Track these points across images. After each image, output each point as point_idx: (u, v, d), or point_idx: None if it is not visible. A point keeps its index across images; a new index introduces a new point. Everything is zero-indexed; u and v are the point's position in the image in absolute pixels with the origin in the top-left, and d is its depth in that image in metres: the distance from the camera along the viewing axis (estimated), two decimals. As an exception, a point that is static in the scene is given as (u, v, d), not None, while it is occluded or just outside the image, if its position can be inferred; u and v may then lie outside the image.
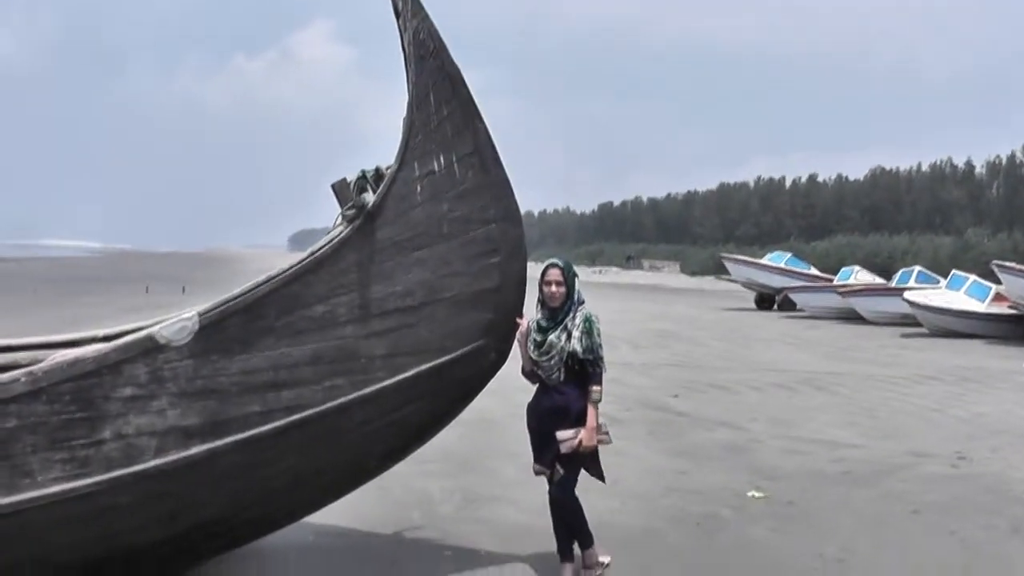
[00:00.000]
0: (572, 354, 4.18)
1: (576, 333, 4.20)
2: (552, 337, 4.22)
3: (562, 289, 4.26)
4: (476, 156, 4.11)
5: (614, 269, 73.46)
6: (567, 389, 4.23)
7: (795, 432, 8.56)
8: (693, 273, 66.87)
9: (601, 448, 4.36)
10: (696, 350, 16.15)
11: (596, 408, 4.21)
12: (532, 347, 4.26)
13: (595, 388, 4.20)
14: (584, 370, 4.21)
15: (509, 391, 12.44)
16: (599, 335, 4.24)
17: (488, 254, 4.14)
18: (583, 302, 4.35)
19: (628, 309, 27.25)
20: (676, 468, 6.93)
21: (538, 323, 4.29)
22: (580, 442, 4.19)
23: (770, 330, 21.74)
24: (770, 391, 11.35)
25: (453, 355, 4.10)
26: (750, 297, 33.96)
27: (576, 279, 4.34)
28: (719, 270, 44.20)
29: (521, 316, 4.30)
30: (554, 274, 4.29)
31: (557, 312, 4.27)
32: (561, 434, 4.20)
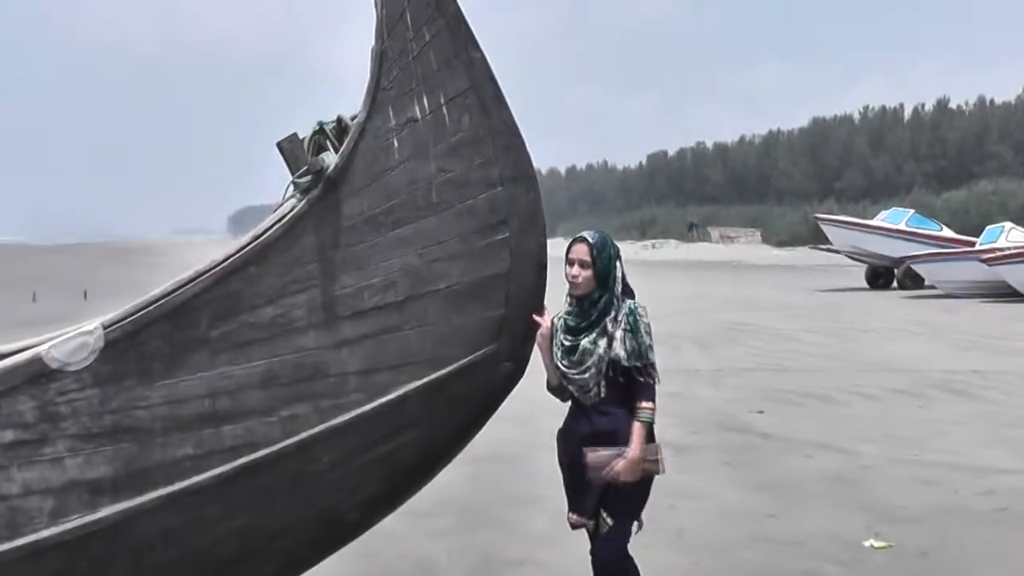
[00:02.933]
0: (614, 362, 4.21)
1: (618, 332, 4.21)
2: (585, 342, 4.23)
3: (587, 272, 4.26)
4: (472, 95, 4.10)
5: (672, 242, 73.67)
6: (611, 408, 4.25)
7: (926, 455, 8.56)
8: (779, 243, 66.86)
9: (657, 483, 4.38)
10: (785, 348, 16.17)
11: (644, 430, 4.23)
12: (559, 354, 4.29)
13: (644, 405, 4.22)
14: (631, 381, 4.24)
15: (533, 414, 12.62)
16: (648, 333, 4.25)
17: (494, 228, 4.14)
18: (630, 292, 4.36)
19: (692, 295, 27.32)
20: (763, 510, 6.94)
21: (565, 321, 4.32)
22: (618, 473, 4.22)
23: (887, 316, 21.71)
24: (889, 400, 11.35)
25: (453, 367, 4.12)
26: (859, 272, 33.88)
27: (617, 261, 4.34)
28: (815, 238, 44.03)
29: (543, 310, 4.31)
30: (579, 251, 4.31)
31: (587, 305, 4.28)
32: (593, 455, 4.24)
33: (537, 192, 4.28)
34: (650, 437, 4.32)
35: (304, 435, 3.95)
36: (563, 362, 4.28)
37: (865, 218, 36.24)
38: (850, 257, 33.93)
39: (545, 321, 4.29)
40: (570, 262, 4.31)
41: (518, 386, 4.50)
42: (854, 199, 71.62)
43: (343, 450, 4.03)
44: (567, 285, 4.35)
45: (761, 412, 10.55)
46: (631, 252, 55.55)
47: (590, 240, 4.32)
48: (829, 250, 36.01)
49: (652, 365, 4.25)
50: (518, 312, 4.23)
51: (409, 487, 4.42)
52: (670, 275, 38.21)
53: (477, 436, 4.55)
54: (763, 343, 16.78)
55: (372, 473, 4.13)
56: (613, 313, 4.25)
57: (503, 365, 4.24)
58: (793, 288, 31.80)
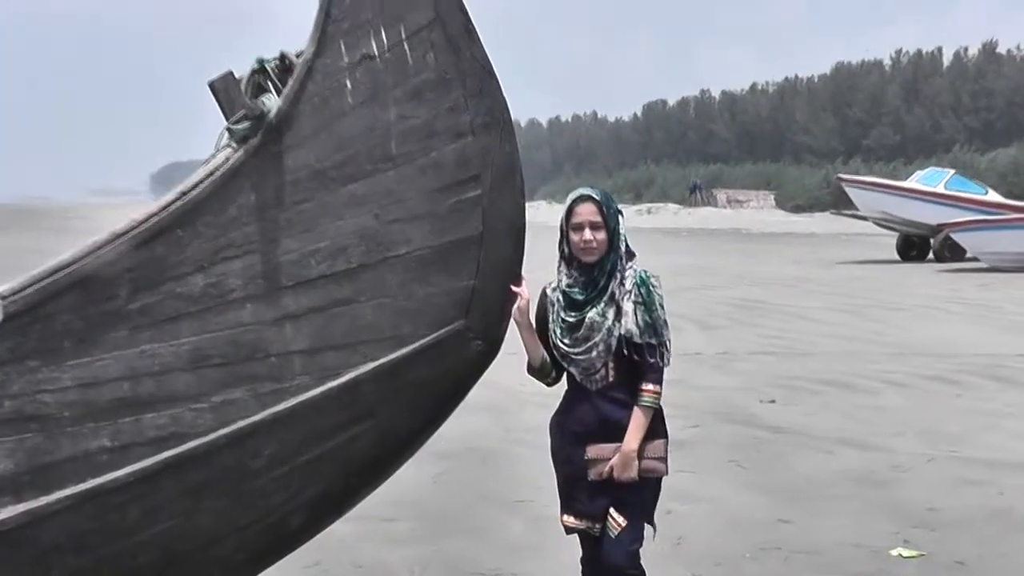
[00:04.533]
0: (625, 338, 4.25)
1: (628, 305, 4.28)
2: (593, 314, 4.29)
3: (601, 235, 4.32)
4: (438, 28, 4.09)
5: (671, 207, 74.00)
6: (621, 394, 4.33)
7: (965, 451, 8.66)
8: (796, 208, 67.28)
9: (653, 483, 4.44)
10: (801, 329, 16.32)
11: (646, 417, 4.29)
12: (560, 332, 4.35)
13: (649, 388, 4.29)
14: (639, 361, 4.29)
15: (509, 403, 12.54)
16: (663, 306, 4.33)
17: (463, 185, 4.16)
18: (634, 255, 4.43)
19: (694, 268, 27.46)
20: (774, 515, 7.02)
21: (565, 294, 4.36)
22: (610, 469, 4.29)
23: (922, 292, 21.90)
24: (923, 388, 11.48)
25: (415, 346, 4.14)
26: (888, 242, 34.13)
27: (621, 218, 4.41)
28: (837, 202, 44.26)
29: (520, 281, 4.33)
30: (587, 211, 4.35)
31: (595, 274, 4.32)
32: (595, 449, 4.33)
33: (514, 144, 4.30)
34: (659, 431, 4.38)
35: (240, 425, 3.95)
36: (564, 340, 4.34)
37: (897, 180, 36.44)
38: (879, 224, 34.12)
39: (523, 293, 4.32)
40: (577, 226, 4.34)
41: (491, 370, 4.52)
42: (884, 158, 72.07)
43: (286, 443, 4.03)
44: (569, 251, 4.40)
45: (773, 402, 10.65)
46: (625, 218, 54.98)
47: (597, 197, 4.37)
48: (854, 216, 36.25)
49: (666, 344, 4.32)
50: (491, 283, 4.25)
51: (364, 486, 4.43)
52: (669, 245, 38.36)
53: (443, 428, 4.58)
54: (776, 323, 16.92)
55: (320, 470, 4.14)
56: (619, 276, 4.32)
57: (473, 344, 4.27)
58: (811, 260, 32.04)
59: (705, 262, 30.51)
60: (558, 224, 4.44)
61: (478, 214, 4.18)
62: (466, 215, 4.17)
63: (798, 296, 20.93)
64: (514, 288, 4.30)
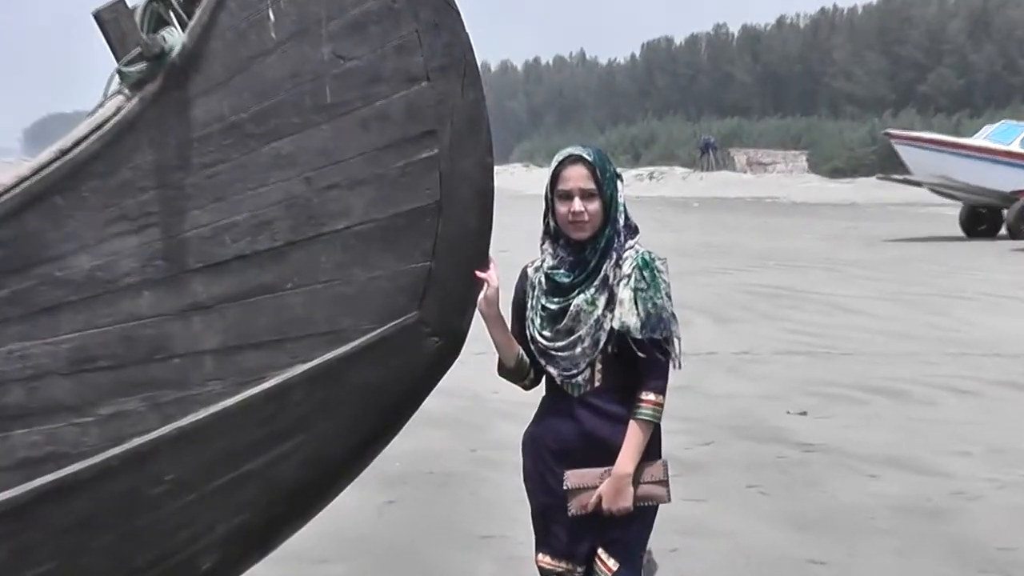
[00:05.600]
0: (619, 333, 4.27)
1: (625, 293, 4.28)
2: (580, 301, 4.30)
3: (594, 205, 4.31)
4: (384, -57, 4.11)
5: (679, 171, 74.15)
6: (609, 403, 4.34)
7: (1044, 475, 8.69)
8: (834, 172, 67.50)
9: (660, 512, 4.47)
10: (840, 322, 16.42)
11: (645, 434, 4.30)
12: (539, 322, 4.38)
13: (648, 398, 4.30)
14: (635, 362, 4.30)
15: (474, 415, 12.51)
16: (669, 295, 4.33)
17: (416, 142, 4.18)
18: (636, 230, 4.44)
19: (706, 247, 27.56)
20: (804, 554, 7.08)
21: (548, 276, 4.38)
22: (598, 499, 4.29)
23: (992, 276, 22.04)
24: (992, 396, 11.57)
25: (356, 344, 4.17)
26: (950, 214, 34.26)
27: (620, 184, 4.42)
28: (885, 164, 44.36)
29: (488, 263, 4.35)
30: (577, 176, 4.34)
31: (586, 253, 4.33)
32: (575, 476, 4.33)
33: (480, 91, 4.32)
34: (654, 451, 4.39)
35: (136, 443, 3.94)
36: (544, 332, 4.36)
37: (960, 136, 36.58)
38: (937, 192, 34.30)
39: (491, 278, 4.34)
40: (565, 195, 4.34)
41: (452, 373, 4.52)
42: (945, 109, 72.31)
43: (194, 465, 4.03)
44: (555, 224, 4.40)
45: (804, 414, 10.70)
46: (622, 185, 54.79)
47: (588, 158, 4.35)
48: (907, 181, 36.33)
49: (670, 341, 4.33)
50: (451, 265, 4.28)
51: (292, 519, 4.45)
52: (675, 218, 38.49)
53: (392, 446, 4.59)
54: (808, 315, 17.03)
55: (238, 498, 4.15)
56: (614, 255, 4.33)
57: (429, 341, 4.29)
58: (853, 237, 32.17)
59: (720, 239, 30.62)
60: (542, 192, 4.44)
61: (434, 179, 4.20)
62: (419, 180, 4.18)
63: (836, 282, 21.01)
64: (479, 274, 4.31)
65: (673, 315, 4.33)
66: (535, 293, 4.40)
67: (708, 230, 34.18)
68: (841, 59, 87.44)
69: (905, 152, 34.18)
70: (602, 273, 4.30)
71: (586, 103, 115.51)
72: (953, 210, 34.17)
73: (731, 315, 16.90)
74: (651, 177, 70.66)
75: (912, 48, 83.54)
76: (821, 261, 24.95)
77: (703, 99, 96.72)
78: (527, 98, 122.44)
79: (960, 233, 32.36)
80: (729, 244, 29.21)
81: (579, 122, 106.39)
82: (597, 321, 4.28)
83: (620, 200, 4.37)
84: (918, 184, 35.05)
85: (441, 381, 4.51)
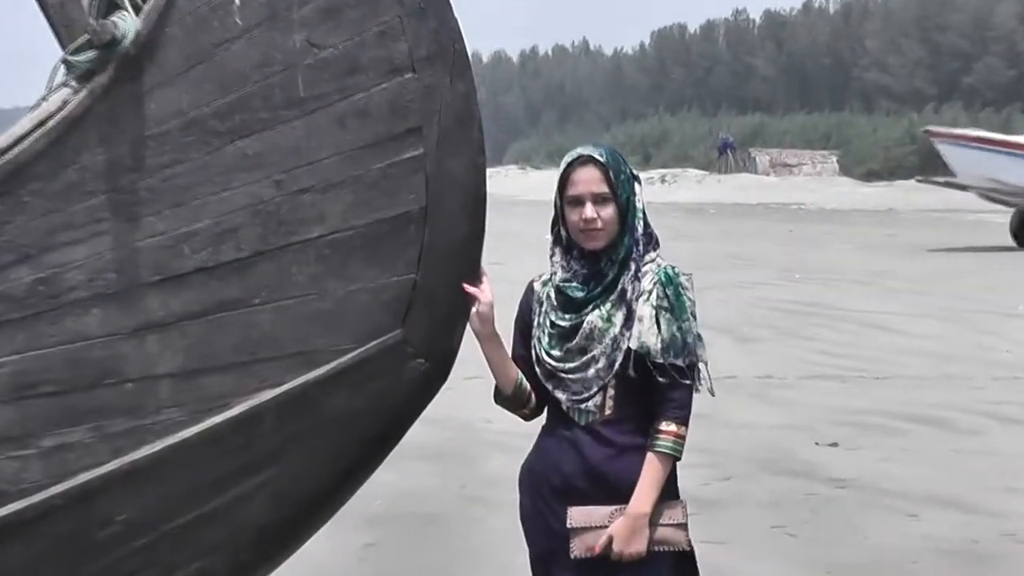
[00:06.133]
0: (637, 354, 4.25)
1: (645, 310, 4.25)
2: (594, 317, 4.26)
3: (609, 211, 4.27)
4: (362, -82, 4.12)
5: (692, 174, 74.21)
6: (621, 434, 4.30)
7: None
8: (868, 175, 67.57)
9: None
10: (876, 342, 16.45)
11: (664, 469, 4.28)
12: (548, 341, 4.34)
13: (668, 428, 4.25)
14: (652, 388, 4.28)
15: (466, 446, 12.46)
16: (694, 315, 4.30)
17: (399, 141, 4.17)
18: (656, 242, 4.43)
19: (725, 258, 27.60)
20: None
21: (560, 290, 4.35)
22: (609, 541, 4.25)
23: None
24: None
25: (331, 367, 4.17)
26: (997, 221, 34.25)
27: (636, 185, 4.40)
28: (925, 165, 44.35)
29: (479, 275, 4.35)
30: (588, 179, 4.29)
31: (602, 265, 4.31)
32: (579, 513, 4.27)
33: (471, 84, 4.30)
34: (672, 488, 4.37)
35: (83, 479, 3.93)
36: (553, 352, 4.32)
37: (1010, 133, 36.58)
38: (985, 197, 34.31)
39: (484, 292, 4.32)
40: (575, 200, 4.30)
41: (440, 400, 4.51)
42: (992, 103, 72.29)
43: (149, 504, 4.02)
44: (566, 233, 4.36)
45: (835, 445, 10.70)
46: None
47: (601, 158, 4.31)
48: (950, 185, 36.39)
49: (698, 365, 4.30)
50: (439, 277, 4.27)
51: (261, 563, 4.43)
52: (689, 226, 38.52)
53: (373, 481, 4.59)
54: (840, 335, 17.08)
55: (199, 541, 4.13)
56: (633, 267, 4.29)
57: (413, 364, 4.29)
58: (890, 247, 32.23)
59: (740, 250, 30.68)
60: (539, 197, 4.43)
61: (419, 182, 4.19)
62: (403, 183, 4.18)
63: (871, 297, 21.05)
64: (470, 288, 4.30)
65: (699, 337, 4.29)
66: (543, 309, 4.36)
67: (727, 239, 34.26)
68: (875, 48, 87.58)
69: (948, 152, 34.14)
70: (620, 287, 4.27)
71: (590, 98, 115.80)
72: (1003, 217, 34.12)
73: (753, 334, 16.96)
74: (663, 180, 70.78)
75: (955, 35, 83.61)
76: (854, 274, 25.02)
77: (721, 93, 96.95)
78: (523, 92, 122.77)
79: (1010, 243, 32.28)
80: (751, 255, 29.28)
81: (581, 119, 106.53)
82: (613, 340, 4.25)
83: (638, 205, 4.34)
84: (963, 188, 35.07)
85: (427, 409, 4.51)
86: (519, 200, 50.47)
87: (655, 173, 73.70)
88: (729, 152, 75.71)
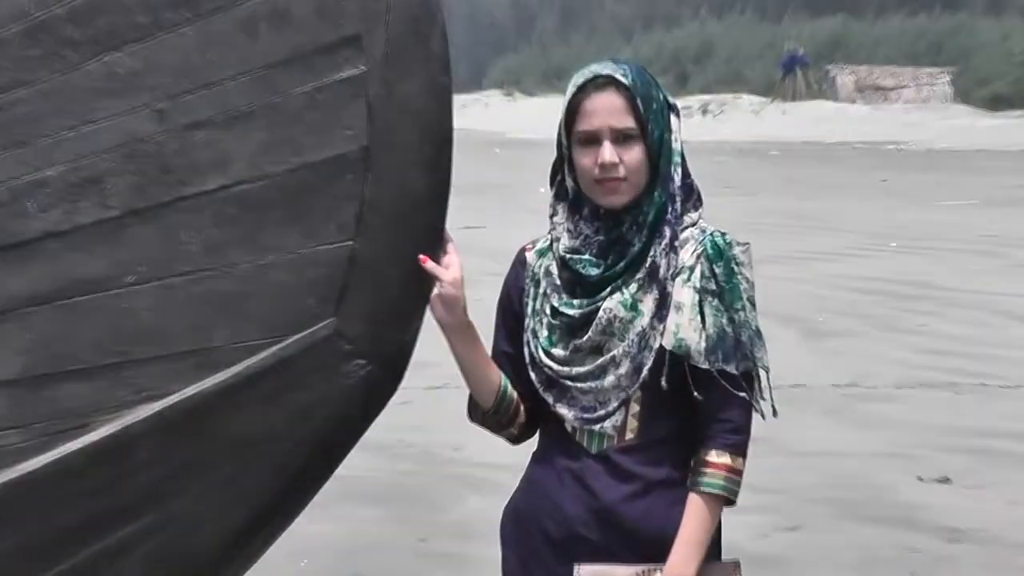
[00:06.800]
0: (673, 357, 4.24)
1: (686, 292, 4.25)
2: (615, 303, 4.25)
3: (635, 153, 4.23)
4: None
5: (748, 101, 74.16)
6: (646, 463, 4.32)
7: None
8: (993, 101, 67.32)
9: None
10: (1001, 336, 16.59)
11: (712, 515, 4.29)
12: (548, 337, 4.33)
13: (719, 460, 4.25)
14: (693, 404, 4.28)
15: (429, 482, 12.58)
16: (752, 301, 4.31)
17: (330, 54, 4.19)
18: (699, 197, 4.42)
19: (791, 219, 27.73)
20: None
21: (566, 263, 4.34)
22: None
23: None
24: None
25: (238, 370, 4.19)
26: None
27: (675, 120, 4.38)
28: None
29: (443, 245, 4.35)
30: (606, 106, 4.25)
31: (624, 229, 4.30)
32: (588, 573, 4.27)
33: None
34: (718, 545, 4.39)
35: None
36: (555, 351, 4.32)
37: None
38: None
39: (449, 269, 4.31)
40: (588, 137, 4.27)
41: (392, 417, 4.52)
42: None
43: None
44: (574, 184, 4.36)
45: (946, 481, 10.75)
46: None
47: (624, 80, 4.28)
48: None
49: (754, 374, 4.31)
50: (386, 246, 4.28)
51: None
52: (742, 174, 38.66)
53: (296, 533, 4.61)
54: (952, 327, 17.19)
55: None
56: (667, 234, 4.28)
57: (351, 366, 4.30)
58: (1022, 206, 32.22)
59: (813, 207, 30.75)
60: (530, 136, 4.44)
61: (359, 112, 4.21)
62: (335, 114, 4.21)
63: (998, 274, 21.10)
64: (428, 264, 4.28)
65: (758, 332, 4.30)
66: (540, 291, 4.37)
67: (794, 192, 34.32)
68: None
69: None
70: (650, 261, 4.26)
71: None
72: None
73: (830, 326, 17.04)
74: (705, 111, 70.88)
75: None
76: (974, 241, 25.11)
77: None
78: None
79: None
80: (827, 214, 29.34)
81: (592, 26, 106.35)
82: (641, 336, 4.23)
83: (676, 146, 4.34)
84: None
85: (372, 429, 4.50)
86: (505, 139, 50.25)
87: (694, 101, 73.64)
88: (798, 71, 75.69)
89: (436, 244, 4.32)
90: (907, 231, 26.35)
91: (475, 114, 57.66)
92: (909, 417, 12.69)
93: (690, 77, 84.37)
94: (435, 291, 4.30)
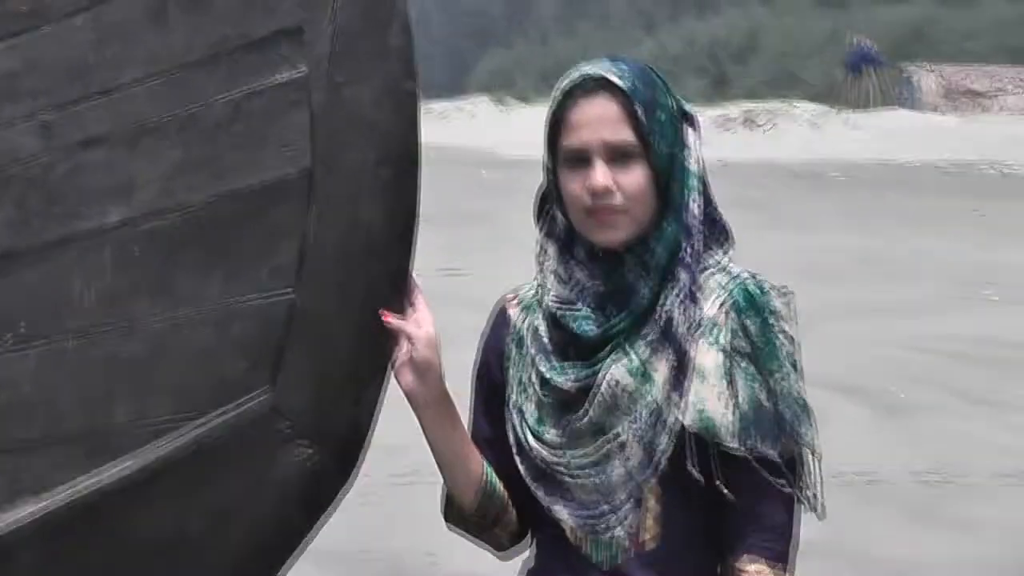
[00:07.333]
0: (697, 439, 4.23)
1: (709, 354, 4.22)
2: (619, 369, 4.21)
3: (635, 175, 4.21)
4: None
5: (803, 109, 74.35)
6: None
7: None
8: None
9: None
10: None
11: None
12: (536, 416, 4.31)
13: (753, 569, 4.22)
14: (723, 498, 4.26)
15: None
16: (796, 364, 4.26)
17: (264, 50, 4.22)
18: (725, 231, 4.39)
19: (855, 264, 27.76)
20: None
21: (555, 318, 4.32)
22: None
23: None
24: None
25: (145, 456, 4.19)
26: None
27: (690, 132, 4.35)
28: None
29: (409, 294, 4.36)
30: (597, 115, 4.23)
31: (626, 273, 4.29)
32: None
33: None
34: None
35: None
36: (547, 435, 4.29)
37: None
38: None
39: (419, 324, 4.32)
40: (575, 156, 4.25)
41: (343, 518, 4.52)
42: None
43: None
44: (548, 224, 4.37)
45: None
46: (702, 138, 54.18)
47: (620, 82, 4.25)
48: None
49: (802, 458, 4.28)
50: (335, 296, 4.30)
51: None
52: (794, 204, 38.81)
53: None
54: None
55: None
56: (684, 279, 4.24)
57: (292, 452, 4.31)
58: None
59: (886, 247, 30.86)
60: (533, 154, 4.43)
61: (300, 124, 4.22)
62: (271, 127, 4.22)
63: None
64: (390, 319, 4.30)
65: (804, 406, 4.24)
66: (525, 356, 4.36)
67: (863, 227, 34.45)
68: None
69: None
70: (661, 314, 4.22)
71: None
72: None
73: (909, 400, 17.05)
74: (750, 122, 70.96)
75: None
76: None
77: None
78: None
79: None
80: (905, 256, 29.47)
81: (604, 13, 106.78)
82: (654, 412, 4.19)
83: (692, 166, 4.30)
84: None
85: (324, 533, 4.51)
86: (494, 157, 50.32)
87: (735, 109, 73.70)
88: (868, 71, 75.89)
89: (400, 293, 4.33)
90: (1008, 277, 26.42)
91: (456, 126, 57.93)
92: (1010, 519, 12.71)
93: (731, 79, 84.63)
94: (400, 354, 4.29)
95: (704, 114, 67.74)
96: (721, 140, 61.75)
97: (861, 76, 75.06)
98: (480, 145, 54.05)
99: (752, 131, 68.40)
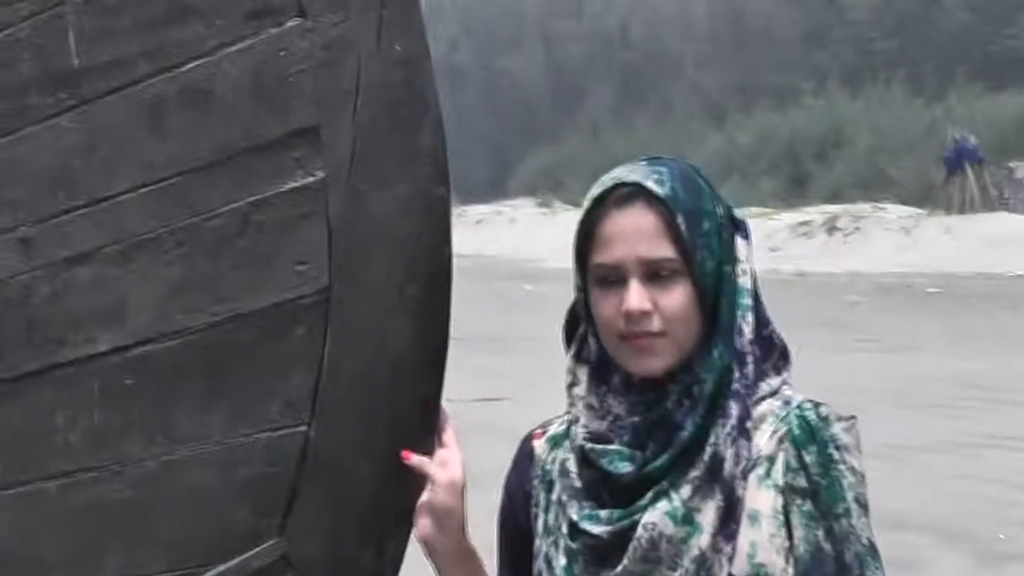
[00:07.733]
0: None
1: (764, 497, 4.18)
2: (660, 515, 4.16)
3: (676, 296, 4.17)
4: None
5: (894, 213, 74.29)
6: None
7: None
8: None
9: None
10: None
11: None
12: (568, 565, 4.23)
13: None
14: None
15: None
16: (863, 502, 4.22)
17: (275, 152, 4.24)
18: (784, 354, 4.37)
19: (956, 390, 27.65)
20: None
21: (587, 457, 4.27)
22: None
23: None
24: None
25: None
26: None
27: (741, 244, 4.31)
28: None
29: (441, 430, 4.37)
30: (632, 228, 4.18)
31: (668, 404, 4.28)
32: None
33: (419, 36, 4.36)
34: None
35: None
36: None
37: None
38: None
39: (445, 467, 4.35)
40: (606, 274, 4.21)
41: None
42: None
43: None
44: (579, 348, 4.36)
45: None
46: (763, 257, 54.21)
47: (656, 187, 4.20)
48: None
49: None
50: (352, 432, 4.32)
51: None
52: (886, 323, 38.72)
53: None
54: None
55: None
56: (735, 411, 4.20)
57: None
58: None
59: (990, 371, 30.78)
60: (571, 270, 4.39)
61: (316, 238, 4.26)
62: (282, 242, 4.25)
63: None
64: (412, 461, 4.33)
65: (871, 549, 4.20)
66: (554, 498, 4.34)
67: (963, 349, 34.39)
68: None
69: None
70: (708, 452, 4.17)
71: (684, 58, 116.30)
72: None
73: (1017, 547, 16.91)
74: (831, 229, 70.77)
75: None
76: None
77: (952, 49, 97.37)
78: (547, 50, 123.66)
79: None
80: (1012, 382, 29.32)
81: (665, 103, 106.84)
82: (701, 563, 4.15)
83: (743, 282, 4.27)
84: None
85: None
86: (539, 269, 50.19)
87: (816, 213, 73.53)
88: (969, 169, 75.64)
89: (430, 426, 4.34)
90: None
91: (496, 233, 58.00)
92: None
93: (811, 179, 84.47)
94: (424, 497, 4.30)
95: (780, 218, 67.88)
96: (799, 247, 61.77)
97: (961, 175, 74.89)
98: (522, 255, 54.17)
99: (834, 238, 68.31)
